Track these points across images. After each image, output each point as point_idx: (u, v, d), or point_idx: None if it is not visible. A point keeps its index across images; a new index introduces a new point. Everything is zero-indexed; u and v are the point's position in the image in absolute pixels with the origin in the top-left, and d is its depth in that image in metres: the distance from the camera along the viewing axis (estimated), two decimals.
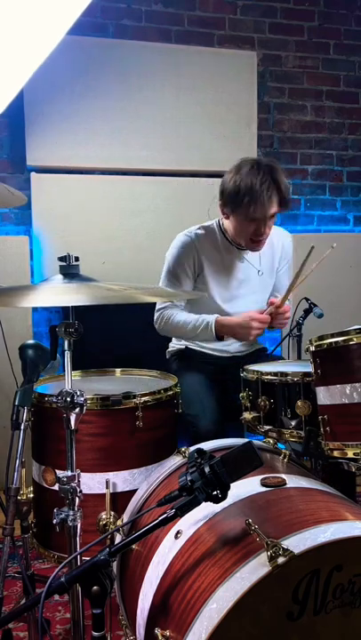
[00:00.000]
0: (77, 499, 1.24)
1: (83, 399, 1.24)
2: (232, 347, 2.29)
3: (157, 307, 2.20)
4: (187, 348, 2.32)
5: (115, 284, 1.30)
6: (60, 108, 3.03)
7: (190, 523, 1.17)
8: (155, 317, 2.20)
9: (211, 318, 2.08)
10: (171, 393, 1.80)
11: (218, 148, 3.25)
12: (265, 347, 2.46)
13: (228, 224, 2.15)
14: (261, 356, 2.34)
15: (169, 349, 2.41)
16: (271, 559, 0.93)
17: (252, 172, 1.94)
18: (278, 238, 2.29)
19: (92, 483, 1.63)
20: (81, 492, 1.24)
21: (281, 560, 0.93)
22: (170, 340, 2.42)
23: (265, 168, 1.95)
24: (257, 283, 2.24)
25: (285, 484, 1.24)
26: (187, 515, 1.06)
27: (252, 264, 2.23)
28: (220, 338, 2.09)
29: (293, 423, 1.65)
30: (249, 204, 1.94)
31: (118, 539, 1.43)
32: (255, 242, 2.08)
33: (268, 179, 1.93)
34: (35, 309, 3.08)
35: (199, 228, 2.19)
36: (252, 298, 2.23)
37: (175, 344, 2.39)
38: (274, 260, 2.30)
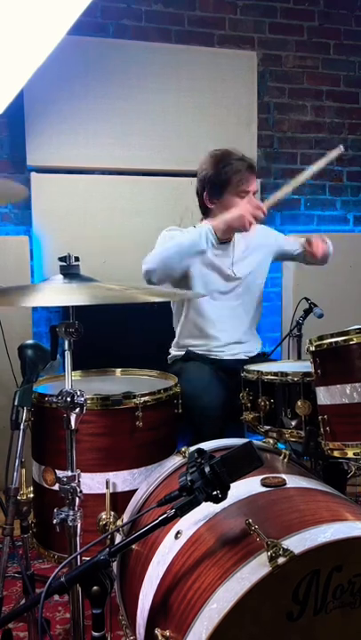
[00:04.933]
0: (77, 499, 1.24)
1: (83, 399, 1.24)
2: (232, 352, 2.31)
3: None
4: (187, 350, 2.32)
5: (115, 284, 1.30)
6: (60, 108, 3.03)
7: (190, 523, 1.17)
8: (145, 261, 2.10)
9: (204, 228, 2.08)
10: (171, 393, 1.80)
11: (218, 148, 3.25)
12: (265, 352, 2.46)
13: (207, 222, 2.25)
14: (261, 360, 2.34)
15: (170, 356, 2.41)
16: (271, 559, 0.93)
17: (223, 156, 2.18)
18: (259, 235, 2.34)
19: (92, 483, 1.63)
20: (81, 491, 1.24)
21: (281, 560, 0.93)
22: (170, 344, 2.42)
23: (235, 153, 2.20)
24: (228, 286, 2.26)
25: (285, 484, 1.24)
26: (187, 515, 1.05)
27: (225, 261, 2.26)
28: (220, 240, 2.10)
29: (294, 423, 1.65)
30: (238, 178, 2.14)
31: (118, 539, 1.43)
32: None
33: (240, 157, 2.18)
34: (35, 309, 3.08)
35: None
36: (227, 297, 2.26)
37: (174, 351, 2.39)
38: (259, 255, 2.34)
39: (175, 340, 2.40)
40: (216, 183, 2.17)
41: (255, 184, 2.21)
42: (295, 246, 2.40)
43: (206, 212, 2.30)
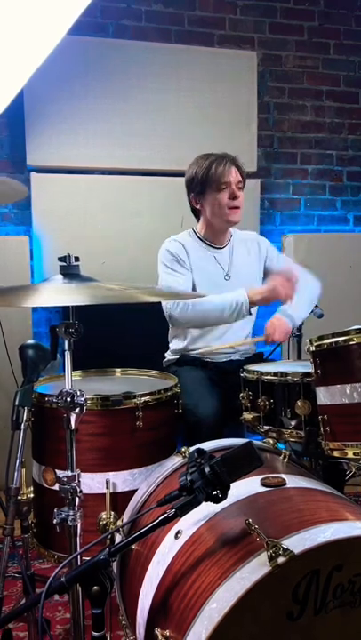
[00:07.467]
0: (77, 499, 1.24)
1: (83, 399, 1.24)
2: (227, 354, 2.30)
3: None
4: (182, 355, 2.31)
5: (115, 284, 1.30)
6: (60, 108, 3.03)
7: (190, 523, 1.17)
8: (171, 306, 2.12)
9: (241, 295, 2.07)
10: (171, 393, 1.80)
11: (218, 148, 3.22)
12: (262, 352, 2.46)
13: (200, 225, 2.32)
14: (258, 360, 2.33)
15: (165, 360, 2.41)
16: (271, 559, 0.93)
17: (205, 157, 2.22)
18: (251, 242, 2.38)
19: (92, 483, 1.63)
20: (81, 491, 1.24)
21: (281, 560, 0.93)
22: (167, 345, 2.42)
23: (216, 153, 2.23)
24: (224, 285, 2.24)
25: (285, 484, 1.24)
26: (187, 515, 1.06)
27: (221, 266, 2.28)
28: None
29: (293, 423, 1.65)
30: (216, 172, 2.16)
31: (118, 539, 1.43)
32: (233, 208, 2.19)
33: (219, 155, 2.22)
34: (35, 309, 3.08)
35: (182, 235, 2.34)
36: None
37: (171, 355, 2.39)
38: (252, 262, 2.34)
39: (170, 344, 2.40)
40: (197, 183, 2.21)
41: (235, 175, 2.18)
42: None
43: (196, 215, 2.34)
